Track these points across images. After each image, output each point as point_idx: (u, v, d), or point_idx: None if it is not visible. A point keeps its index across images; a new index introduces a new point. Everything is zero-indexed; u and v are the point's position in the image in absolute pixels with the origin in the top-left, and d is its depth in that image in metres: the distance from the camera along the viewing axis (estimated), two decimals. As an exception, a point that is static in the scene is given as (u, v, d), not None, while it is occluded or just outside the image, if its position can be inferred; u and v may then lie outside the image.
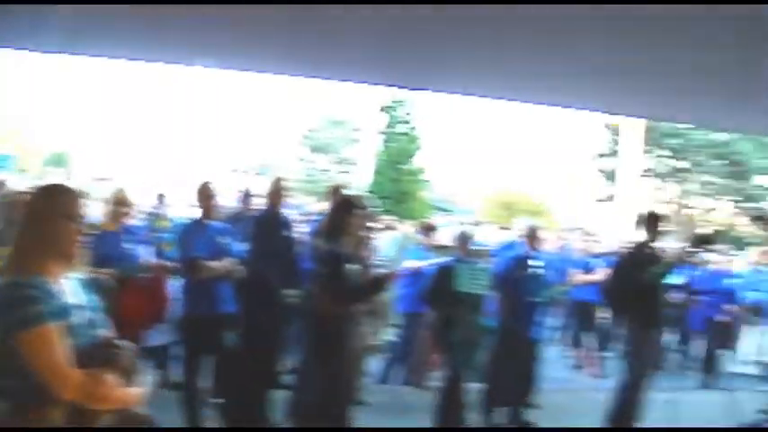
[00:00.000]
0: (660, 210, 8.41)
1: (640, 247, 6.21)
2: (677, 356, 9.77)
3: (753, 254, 11.41)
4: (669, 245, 6.48)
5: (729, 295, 9.26)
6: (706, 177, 38.87)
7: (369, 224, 5.37)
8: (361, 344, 5.62)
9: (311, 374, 5.02)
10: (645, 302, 6.04)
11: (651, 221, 6.25)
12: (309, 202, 11.80)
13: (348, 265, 4.80)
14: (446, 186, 41.11)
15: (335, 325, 4.81)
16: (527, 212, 31.58)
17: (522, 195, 37.98)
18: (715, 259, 9.87)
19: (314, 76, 6.91)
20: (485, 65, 5.88)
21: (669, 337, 9.35)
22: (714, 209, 39.66)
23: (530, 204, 36.07)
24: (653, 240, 6.19)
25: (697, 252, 6.55)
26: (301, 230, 6.40)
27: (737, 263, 11.37)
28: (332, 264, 4.83)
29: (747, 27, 4.33)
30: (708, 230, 6.72)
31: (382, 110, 33.38)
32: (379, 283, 5.08)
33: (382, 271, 5.22)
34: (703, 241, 6.28)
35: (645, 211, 6.50)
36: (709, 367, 9.08)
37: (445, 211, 30.42)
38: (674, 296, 8.75)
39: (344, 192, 6.22)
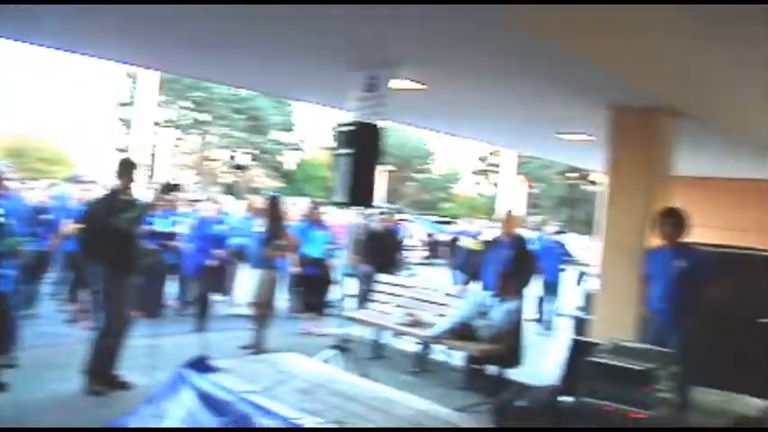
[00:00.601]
0: (132, 157, 8.56)
1: (114, 193, 6.17)
2: (173, 302, 10.08)
3: (245, 203, 12.33)
4: (145, 192, 6.59)
5: (219, 241, 9.85)
6: (226, 130, 40.91)
7: None
8: None
9: None
10: (118, 249, 6.02)
11: (125, 168, 6.26)
12: None
13: None
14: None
15: None
16: (44, 160, 29.74)
17: (38, 142, 35.39)
18: (205, 207, 10.41)
19: None
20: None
21: (164, 283, 9.67)
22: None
23: (47, 152, 33.93)
24: (127, 187, 6.20)
25: (166, 198, 6.76)
26: None
27: (232, 210, 12.20)
28: None
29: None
30: (173, 180, 6.99)
31: None
32: None
33: None
34: (170, 189, 6.52)
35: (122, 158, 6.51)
36: (203, 311, 9.41)
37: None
38: (163, 242, 9.03)
39: None
